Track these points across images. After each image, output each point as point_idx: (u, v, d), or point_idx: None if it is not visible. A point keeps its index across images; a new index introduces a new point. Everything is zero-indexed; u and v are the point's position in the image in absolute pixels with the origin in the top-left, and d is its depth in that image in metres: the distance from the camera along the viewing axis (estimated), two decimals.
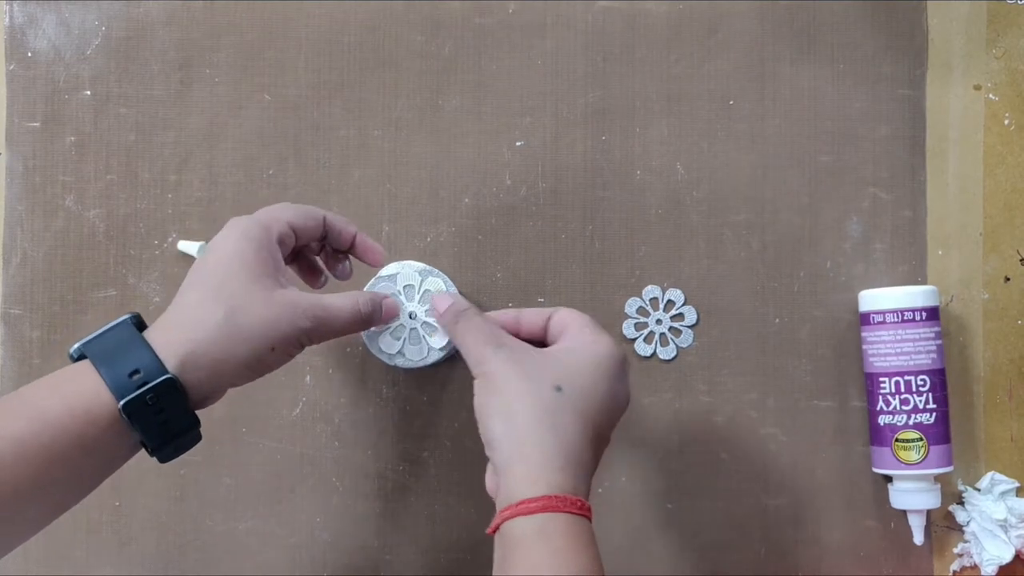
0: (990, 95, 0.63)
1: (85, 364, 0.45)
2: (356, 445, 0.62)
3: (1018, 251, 0.63)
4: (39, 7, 0.63)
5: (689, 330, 0.62)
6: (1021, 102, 0.63)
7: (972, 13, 0.63)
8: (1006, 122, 0.63)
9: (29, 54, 0.63)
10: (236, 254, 0.48)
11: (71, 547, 0.61)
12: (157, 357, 0.44)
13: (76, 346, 0.46)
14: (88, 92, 0.63)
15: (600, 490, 0.62)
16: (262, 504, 0.62)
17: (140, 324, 0.47)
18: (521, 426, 0.45)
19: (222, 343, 0.46)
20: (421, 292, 0.58)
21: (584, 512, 0.44)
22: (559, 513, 0.43)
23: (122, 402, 0.43)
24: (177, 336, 0.46)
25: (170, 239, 0.63)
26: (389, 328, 0.58)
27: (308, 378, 0.62)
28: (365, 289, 0.57)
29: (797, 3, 0.63)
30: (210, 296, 0.47)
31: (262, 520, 0.62)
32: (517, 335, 0.51)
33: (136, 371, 0.44)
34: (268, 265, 0.48)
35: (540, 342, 0.51)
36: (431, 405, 0.62)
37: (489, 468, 0.48)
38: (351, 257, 0.57)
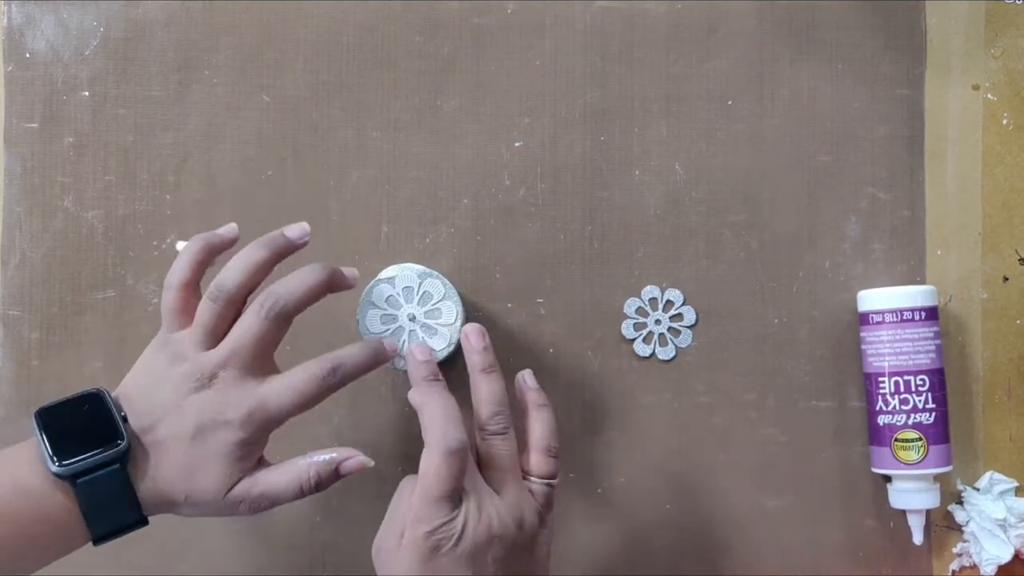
0: (988, 95, 0.63)
1: (67, 491, 0.46)
2: (355, 446, 0.62)
3: (1017, 251, 0.63)
4: (37, 8, 0.63)
5: (688, 330, 0.62)
6: (1020, 102, 0.63)
7: (970, 13, 0.63)
8: (1004, 122, 0.63)
9: (27, 55, 0.63)
10: (224, 439, 0.48)
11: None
12: (139, 509, 0.47)
13: (40, 415, 0.48)
14: (86, 93, 0.63)
15: (599, 491, 0.62)
16: None
17: (105, 399, 0.48)
18: None
19: (180, 491, 0.48)
20: (420, 294, 0.58)
21: None
22: None
23: (76, 488, 0.46)
24: (162, 487, 0.47)
25: (169, 240, 0.63)
26: (388, 330, 0.57)
27: None
28: (362, 296, 0.57)
29: (796, 3, 0.63)
30: (182, 461, 0.47)
31: (260, 522, 0.62)
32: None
33: (97, 465, 0.46)
34: (250, 459, 0.50)
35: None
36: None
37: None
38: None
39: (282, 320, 0.50)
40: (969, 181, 0.63)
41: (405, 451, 0.62)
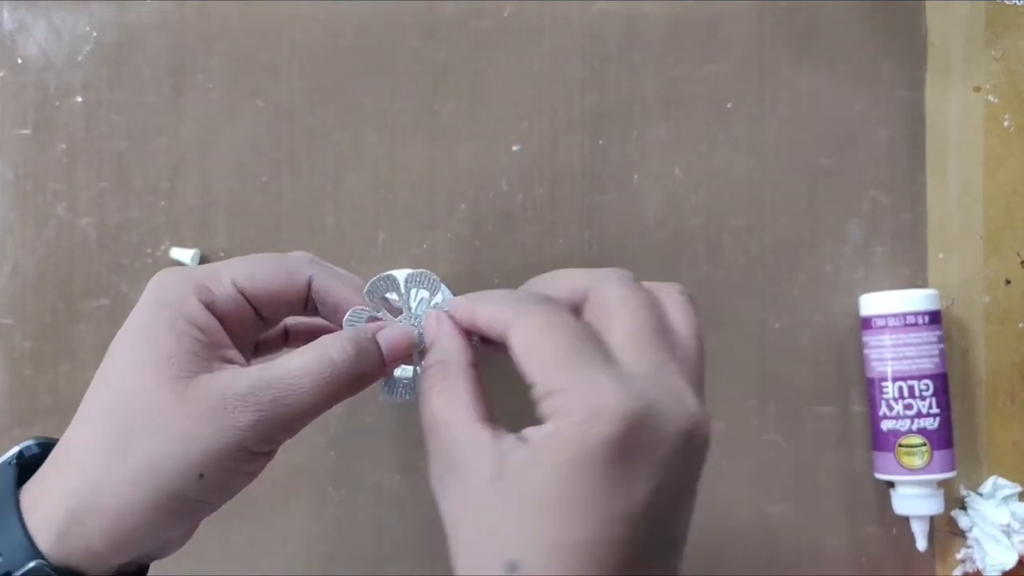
0: (990, 97, 0.63)
1: None
2: (352, 455, 0.62)
3: (1019, 253, 0.62)
4: (29, 13, 0.63)
5: None
6: (1021, 104, 0.63)
7: (971, 15, 0.63)
8: (1006, 124, 0.63)
9: (19, 61, 0.62)
10: (139, 337, 0.33)
11: None
12: (25, 532, 0.31)
13: None
14: (79, 99, 0.63)
15: None
16: (257, 515, 0.61)
17: (36, 461, 0.34)
18: None
19: (118, 486, 0.31)
20: (417, 300, 0.57)
21: None
22: None
23: None
24: (55, 488, 0.32)
25: (163, 247, 0.62)
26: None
27: None
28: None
29: (796, 5, 0.63)
30: (100, 414, 0.32)
31: (257, 531, 0.61)
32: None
33: None
34: (188, 347, 0.32)
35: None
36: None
37: None
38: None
39: None
40: (971, 184, 0.63)
41: (404, 461, 0.62)
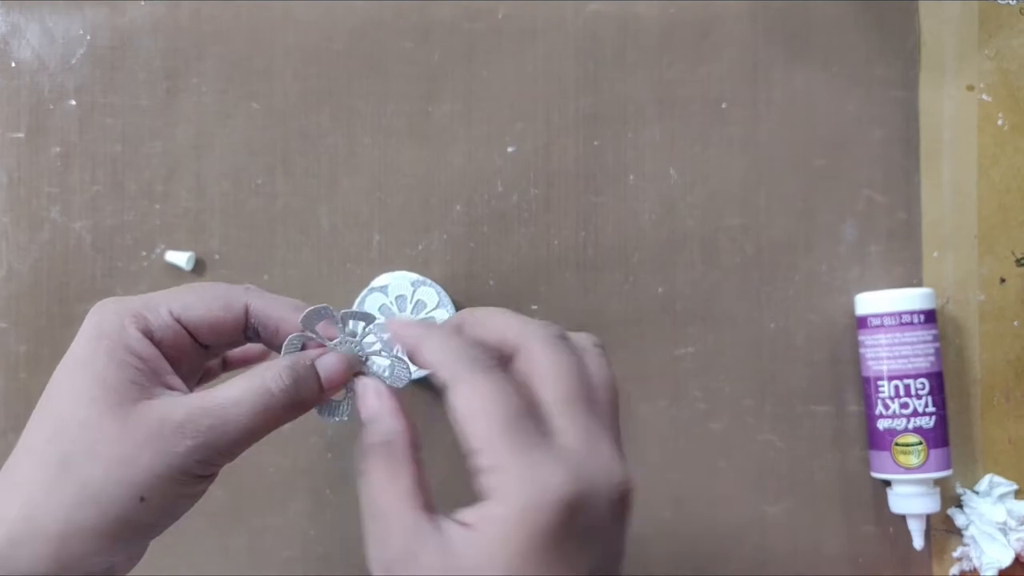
0: (983, 96, 0.63)
1: None
2: (349, 457, 0.62)
3: (1013, 252, 0.62)
4: (23, 16, 0.62)
5: None
6: (1014, 102, 0.63)
7: (964, 14, 0.63)
8: (999, 122, 0.63)
9: (13, 64, 0.62)
10: (80, 365, 0.34)
11: None
12: None
13: None
14: (73, 102, 0.62)
15: None
16: (254, 518, 0.61)
17: None
18: None
19: (59, 512, 0.31)
20: (414, 302, 0.57)
21: None
22: None
23: None
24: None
25: (158, 250, 0.62)
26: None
27: None
28: (355, 305, 0.56)
29: (789, 6, 0.63)
30: (41, 442, 0.33)
31: (255, 534, 0.61)
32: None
33: None
34: (127, 375, 0.33)
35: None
36: (424, 416, 0.61)
37: None
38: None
39: None
40: (965, 182, 0.63)
41: None
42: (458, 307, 0.60)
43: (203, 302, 0.36)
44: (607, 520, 0.30)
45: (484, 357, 0.33)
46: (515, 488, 0.29)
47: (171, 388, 0.35)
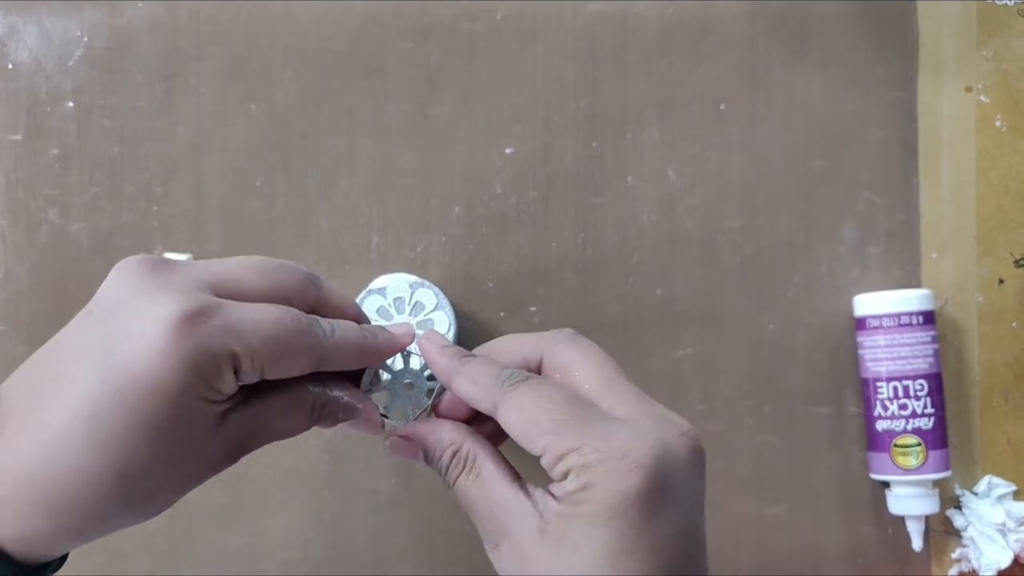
0: (981, 97, 0.63)
1: None
2: (348, 459, 0.61)
3: (1012, 253, 0.63)
4: (19, 17, 0.62)
5: None
6: (1012, 104, 0.63)
7: (962, 15, 0.63)
8: (998, 124, 0.63)
9: (10, 66, 0.62)
10: (164, 400, 0.30)
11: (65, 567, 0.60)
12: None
13: None
14: (71, 104, 0.62)
15: None
16: (254, 520, 0.61)
17: None
18: None
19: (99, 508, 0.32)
20: (412, 304, 0.57)
21: None
22: None
23: None
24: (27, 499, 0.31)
25: (156, 252, 0.62)
26: None
27: None
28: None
29: (788, 6, 0.63)
30: (84, 440, 0.31)
31: (254, 536, 0.61)
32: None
33: None
34: (149, 468, 0.31)
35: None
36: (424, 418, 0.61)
37: None
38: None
39: None
40: (963, 184, 0.63)
41: (400, 465, 0.61)
42: (457, 309, 0.60)
43: (292, 352, 0.33)
44: (686, 472, 0.32)
45: (515, 372, 0.34)
46: (594, 458, 0.31)
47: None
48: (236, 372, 0.31)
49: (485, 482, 0.34)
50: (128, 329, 0.30)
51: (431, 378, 0.40)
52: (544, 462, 0.32)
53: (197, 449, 0.32)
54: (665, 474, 0.31)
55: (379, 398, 0.40)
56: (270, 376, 0.33)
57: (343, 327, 0.35)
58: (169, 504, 0.33)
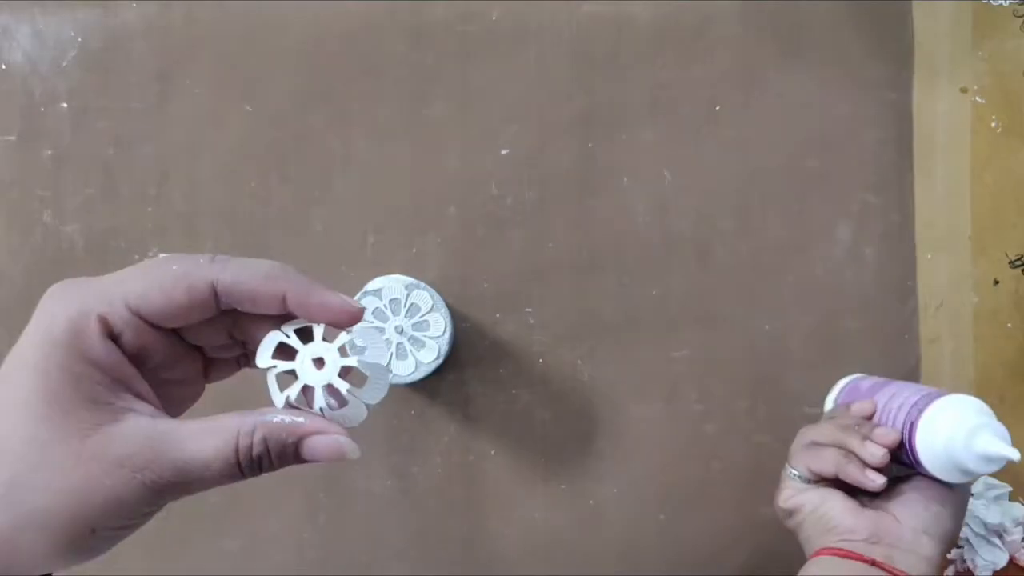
0: (976, 98, 0.63)
1: None
2: (343, 461, 0.61)
3: (1007, 254, 0.63)
4: (13, 18, 0.62)
5: (434, 341, 0.57)
6: (1007, 105, 0.63)
7: (957, 15, 0.63)
8: (993, 124, 0.63)
9: (3, 66, 0.62)
10: (31, 372, 0.30)
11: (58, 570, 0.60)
12: None
13: None
14: (65, 105, 0.62)
15: (591, 502, 0.61)
16: (249, 522, 0.61)
17: None
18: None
19: (5, 531, 0.29)
20: (407, 306, 0.57)
21: None
22: None
23: None
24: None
25: (151, 254, 0.62)
26: (377, 346, 0.56)
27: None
28: None
29: (782, 7, 0.63)
30: None
31: (249, 538, 0.61)
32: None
33: None
34: (84, 393, 0.30)
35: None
36: (419, 419, 0.61)
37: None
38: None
39: None
40: (958, 184, 0.63)
41: (395, 467, 0.61)
42: (452, 310, 0.59)
43: (161, 290, 0.32)
44: None
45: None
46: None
47: (139, 397, 0.32)
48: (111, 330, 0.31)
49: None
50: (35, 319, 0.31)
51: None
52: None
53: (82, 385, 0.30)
54: None
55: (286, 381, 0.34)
56: (166, 325, 0.32)
57: (241, 262, 0.33)
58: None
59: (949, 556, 0.61)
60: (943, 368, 0.62)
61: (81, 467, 0.29)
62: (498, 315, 0.62)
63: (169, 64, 0.62)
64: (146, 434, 0.30)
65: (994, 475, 0.61)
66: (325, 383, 0.34)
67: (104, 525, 0.30)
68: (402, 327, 0.57)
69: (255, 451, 0.31)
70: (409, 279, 0.57)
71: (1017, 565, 0.60)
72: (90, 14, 0.62)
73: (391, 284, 0.57)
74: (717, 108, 0.63)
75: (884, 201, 0.63)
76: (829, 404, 0.58)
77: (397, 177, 0.62)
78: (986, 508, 0.60)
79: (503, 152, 0.62)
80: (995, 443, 0.47)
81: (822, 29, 0.63)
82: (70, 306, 0.31)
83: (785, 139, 0.63)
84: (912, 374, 0.62)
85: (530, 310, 0.62)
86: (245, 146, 0.62)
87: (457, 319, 0.61)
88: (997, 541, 0.60)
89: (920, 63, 0.63)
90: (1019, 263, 0.62)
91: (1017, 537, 0.60)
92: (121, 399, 0.31)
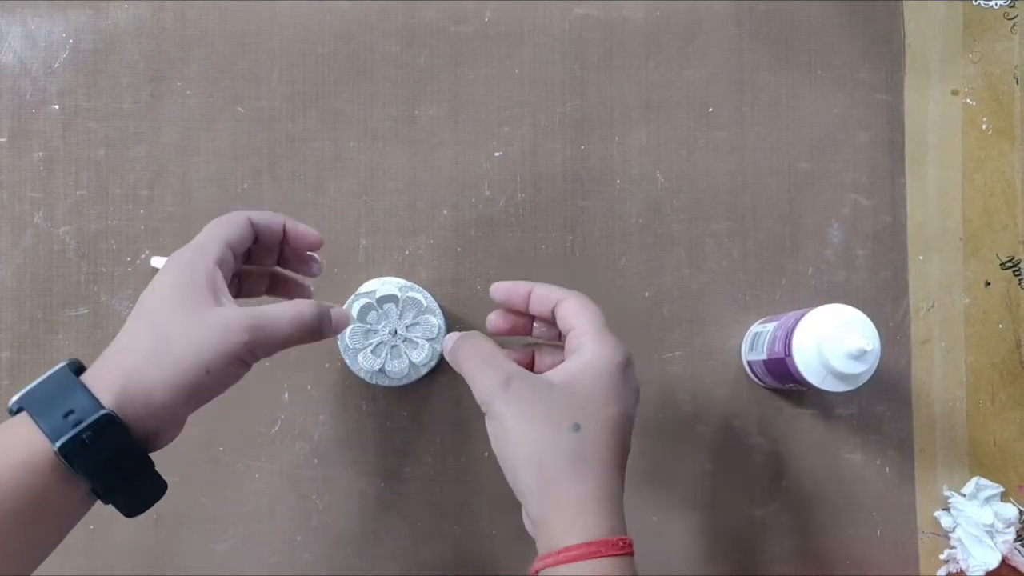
0: (968, 100, 0.63)
1: (22, 416, 0.43)
2: (336, 462, 0.61)
3: (998, 255, 0.63)
4: (4, 19, 0.62)
5: (426, 342, 0.57)
6: (998, 106, 0.63)
7: (948, 18, 0.63)
8: (984, 126, 0.63)
9: None
10: (169, 282, 0.46)
11: (46, 570, 0.60)
12: (91, 395, 0.43)
13: (14, 399, 0.44)
14: (56, 106, 0.62)
15: None
16: (241, 524, 0.61)
17: (80, 369, 0.45)
18: (550, 477, 0.44)
19: (152, 370, 0.43)
20: (400, 308, 0.57)
21: (625, 550, 0.44)
22: (601, 559, 0.43)
23: (57, 444, 0.41)
24: (111, 371, 0.44)
25: (143, 255, 0.62)
26: (370, 345, 0.57)
27: (286, 395, 0.61)
28: (344, 306, 0.56)
29: (774, 8, 0.63)
30: (141, 326, 0.45)
31: (241, 540, 0.61)
32: (524, 311, 0.51)
33: (70, 412, 0.42)
34: (201, 287, 0.46)
35: (549, 321, 0.51)
36: (412, 420, 0.61)
37: (524, 510, 0.47)
38: (316, 256, 0.54)
39: None
40: (950, 186, 0.63)
41: (387, 467, 0.61)
42: (446, 312, 0.59)
43: (236, 225, 0.50)
44: (633, 375, 0.48)
45: (568, 290, 0.50)
46: (601, 345, 0.47)
47: (227, 296, 0.47)
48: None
49: (475, 356, 0.48)
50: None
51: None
52: (573, 335, 0.48)
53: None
54: (628, 365, 0.48)
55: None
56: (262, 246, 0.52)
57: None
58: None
59: (942, 557, 0.61)
60: (934, 369, 0.62)
61: (201, 327, 0.44)
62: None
63: (161, 65, 0.62)
64: (241, 311, 0.45)
65: (987, 476, 0.61)
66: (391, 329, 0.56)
67: (215, 368, 0.44)
68: (396, 329, 0.57)
69: (309, 313, 0.47)
70: (402, 281, 0.57)
71: (1009, 565, 0.60)
72: (81, 15, 0.62)
73: (385, 286, 0.57)
74: (710, 110, 0.63)
75: (876, 202, 0.63)
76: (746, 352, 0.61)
77: (390, 179, 0.62)
78: (978, 509, 0.60)
79: (496, 154, 0.62)
80: (855, 339, 0.51)
81: (814, 31, 0.63)
82: (191, 244, 0.48)
83: (777, 141, 0.63)
84: (903, 374, 0.62)
85: None
86: (237, 147, 0.62)
87: (451, 321, 0.61)
88: (989, 541, 0.60)
89: (911, 65, 0.63)
90: (1010, 264, 0.63)
91: (1009, 538, 0.60)
92: (222, 294, 0.46)
